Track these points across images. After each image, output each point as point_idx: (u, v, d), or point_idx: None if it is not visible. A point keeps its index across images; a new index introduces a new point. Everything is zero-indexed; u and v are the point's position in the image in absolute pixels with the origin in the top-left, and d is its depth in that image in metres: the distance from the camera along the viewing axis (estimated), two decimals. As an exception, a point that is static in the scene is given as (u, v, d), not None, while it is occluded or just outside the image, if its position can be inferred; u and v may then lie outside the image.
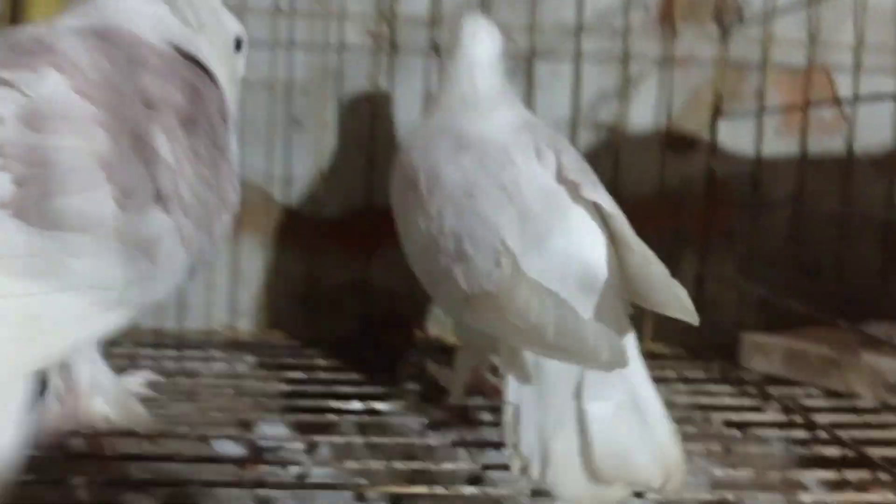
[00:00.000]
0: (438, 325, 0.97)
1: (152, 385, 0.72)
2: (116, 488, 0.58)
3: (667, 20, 0.97)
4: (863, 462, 0.64)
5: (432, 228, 0.61)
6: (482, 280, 0.55)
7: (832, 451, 0.66)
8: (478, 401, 0.72)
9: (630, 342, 0.54)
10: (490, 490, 0.59)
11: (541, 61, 0.96)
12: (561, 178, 0.59)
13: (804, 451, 0.67)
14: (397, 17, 0.95)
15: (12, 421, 0.45)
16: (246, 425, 0.69)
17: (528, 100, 0.94)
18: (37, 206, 0.45)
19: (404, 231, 0.68)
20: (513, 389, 0.54)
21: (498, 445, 0.58)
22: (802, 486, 0.63)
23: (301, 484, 0.63)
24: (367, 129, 0.95)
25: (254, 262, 0.97)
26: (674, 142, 0.98)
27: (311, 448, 0.67)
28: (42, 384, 0.65)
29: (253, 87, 0.91)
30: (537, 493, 0.55)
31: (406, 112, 0.96)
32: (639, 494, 0.55)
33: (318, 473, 0.64)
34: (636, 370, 0.53)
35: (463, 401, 0.71)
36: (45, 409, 0.61)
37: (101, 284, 0.48)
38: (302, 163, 0.96)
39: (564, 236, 0.56)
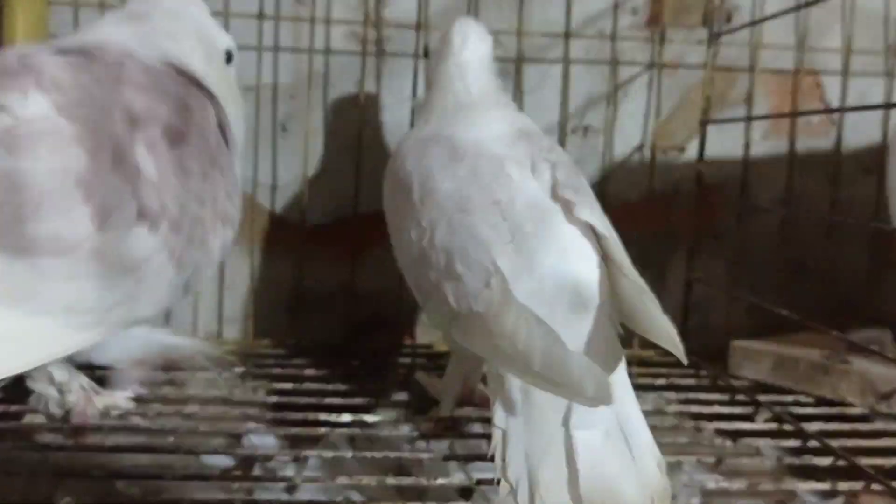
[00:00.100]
0: (427, 332, 0.96)
1: (137, 398, 0.72)
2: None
3: (656, 24, 0.97)
4: (854, 472, 0.64)
5: (424, 241, 0.60)
6: (471, 300, 0.54)
7: (823, 461, 0.66)
8: (469, 411, 0.71)
9: (620, 368, 0.53)
10: (481, 505, 0.58)
11: (529, 65, 0.96)
12: (555, 194, 0.59)
13: (795, 460, 0.67)
14: (383, 21, 0.94)
15: None
16: (235, 437, 0.69)
17: (517, 104, 0.93)
18: (10, 231, 0.44)
19: (396, 238, 0.68)
20: (501, 415, 0.52)
21: (490, 458, 0.58)
22: (794, 496, 0.63)
23: (292, 502, 0.62)
24: (354, 133, 0.94)
25: (240, 269, 0.96)
26: (662, 145, 0.98)
27: (301, 462, 0.67)
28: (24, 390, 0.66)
29: (238, 92, 0.89)
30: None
31: (393, 116, 0.95)
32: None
33: (308, 488, 0.63)
34: (625, 396, 0.53)
35: (453, 412, 0.70)
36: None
37: (77, 308, 0.47)
38: (288, 168, 0.95)
39: (557, 256, 0.56)
